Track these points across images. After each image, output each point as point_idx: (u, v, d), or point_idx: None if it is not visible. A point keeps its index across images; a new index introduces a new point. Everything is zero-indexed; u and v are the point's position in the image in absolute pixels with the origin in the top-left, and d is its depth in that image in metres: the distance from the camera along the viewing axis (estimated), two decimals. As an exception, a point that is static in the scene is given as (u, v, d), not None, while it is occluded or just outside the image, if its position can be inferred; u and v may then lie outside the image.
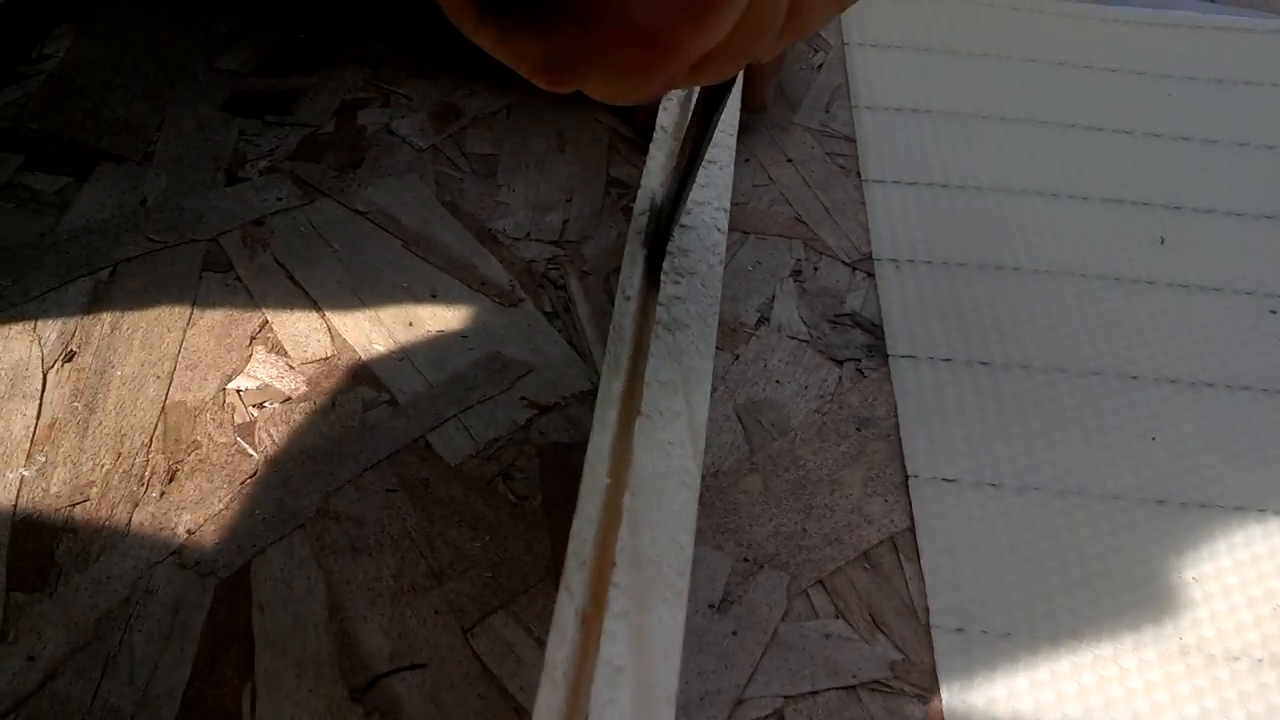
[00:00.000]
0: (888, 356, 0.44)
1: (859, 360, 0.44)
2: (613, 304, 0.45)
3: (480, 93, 0.54)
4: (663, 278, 0.41)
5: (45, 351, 0.40)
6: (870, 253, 0.48)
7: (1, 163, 0.47)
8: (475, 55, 0.56)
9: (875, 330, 0.45)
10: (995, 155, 0.54)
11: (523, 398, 0.41)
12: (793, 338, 0.44)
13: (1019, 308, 0.46)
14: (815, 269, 0.47)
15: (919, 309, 0.46)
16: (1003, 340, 0.45)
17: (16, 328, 0.41)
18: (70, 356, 0.40)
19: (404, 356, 0.42)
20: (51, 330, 0.41)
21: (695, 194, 0.44)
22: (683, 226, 0.43)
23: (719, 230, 0.43)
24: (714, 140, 0.47)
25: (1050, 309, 0.46)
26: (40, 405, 0.39)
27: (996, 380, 0.43)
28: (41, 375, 0.40)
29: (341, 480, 0.37)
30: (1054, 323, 0.46)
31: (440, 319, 0.44)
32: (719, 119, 0.37)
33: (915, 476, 0.40)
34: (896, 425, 0.41)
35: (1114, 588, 0.37)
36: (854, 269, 0.48)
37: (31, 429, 0.38)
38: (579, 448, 0.39)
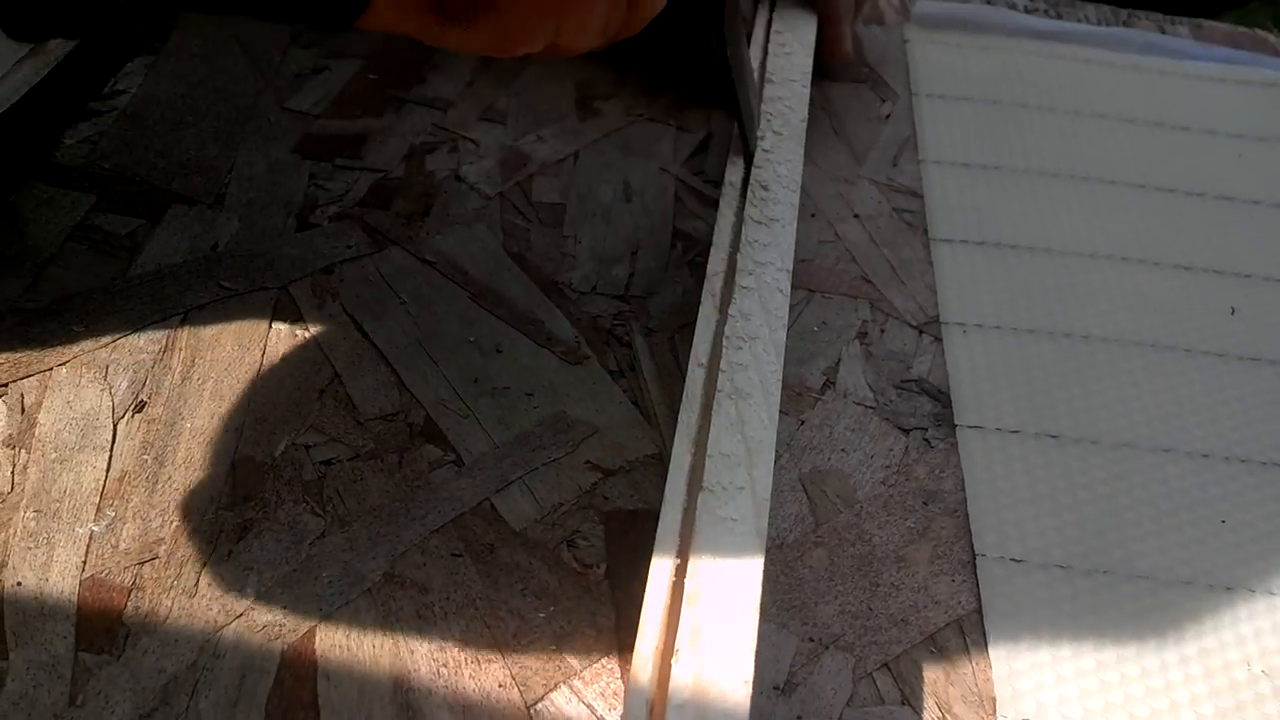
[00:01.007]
0: (955, 426, 0.44)
1: (926, 430, 0.43)
2: (677, 362, 0.45)
3: (547, 139, 0.54)
4: (725, 343, 0.40)
5: (116, 401, 0.41)
6: (937, 315, 0.48)
7: (74, 203, 0.48)
8: (543, 99, 0.56)
9: (942, 398, 0.45)
10: (1064, 215, 0.53)
11: (587, 461, 0.41)
12: (859, 404, 0.44)
13: (1088, 378, 0.46)
14: (882, 331, 0.47)
15: (987, 377, 0.46)
16: (1072, 413, 0.44)
17: (88, 375, 0.41)
18: (141, 406, 0.41)
19: (469, 414, 0.42)
20: (123, 378, 0.41)
21: (757, 254, 0.44)
22: (744, 289, 0.43)
23: (781, 293, 0.43)
24: (777, 198, 0.46)
25: (1120, 381, 0.46)
26: (110, 457, 0.39)
27: (1065, 455, 0.43)
28: (112, 426, 0.40)
29: (407, 543, 0.37)
30: (1124, 395, 0.45)
31: (506, 375, 0.44)
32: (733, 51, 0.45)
33: (983, 556, 0.39)
34: (964, 500, 0.41)
35: (1186, 678, 0.36)
36: (921, 332, 0.47)
37: (101, 482, 0.38)
38: (643, 515, 0.39)
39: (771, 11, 0.56)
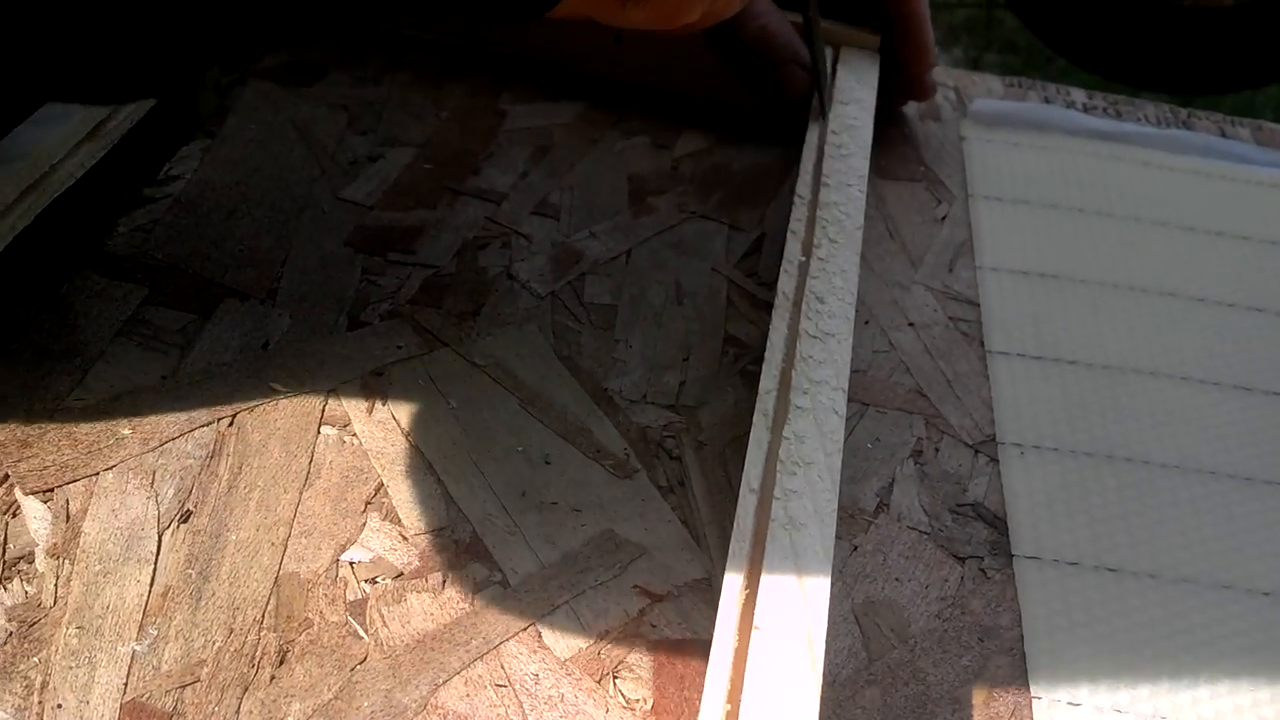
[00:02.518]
0: (1012, 556, 0.43)
1: (982, 559, 0.42)
2: (728, 479, 0.44)
3: (600, 235, 0.54)
4: (778, 467, 0.40)
5: (162, 510, 0.40)
6: (994, 434, 0.47)
7: (126, 295, 0.48)
8: (596, 193, 0.55)
9: (999, 524, 0.44)
10: (1123, 329, 0.52)
11: (635, 585, 0.40)
12: (913, 528, 0.43)
13: (1148, 507, 0.45)
14: (936, 450, 0.46)
15: (1044, 503, 0.45)
16: (1132, 544, 0.43)
17: (135, 481, 0.41)
18: (186, 516, 0.40)
19: (516, 530, 0.41)
20: (169, 485, 0.41)
21: (812, 371, 0.43)
22: (798, 409, 0.42)
23: (837, 413, 0.42)
24: (832, 311, 0.46)
25: (1181, 510, 0.45)
26: (154, 570, 0.38)
27: (1124, 590, 0.42)
28: (157, 536, 0.39)
29: (450, 672, 0.37)
30: (1184, 527, 0.44)
31: (554, 489, 0.43)
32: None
33: (1039, 699, 0.38)
34: (1020, 637, 0.40)
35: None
36: (977, 452, 0.46)
37: (145, 598, 0.38)
38: (691, 645, 0.38)
39: (825, 116, 0.56)
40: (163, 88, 0.37)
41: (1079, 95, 0.68)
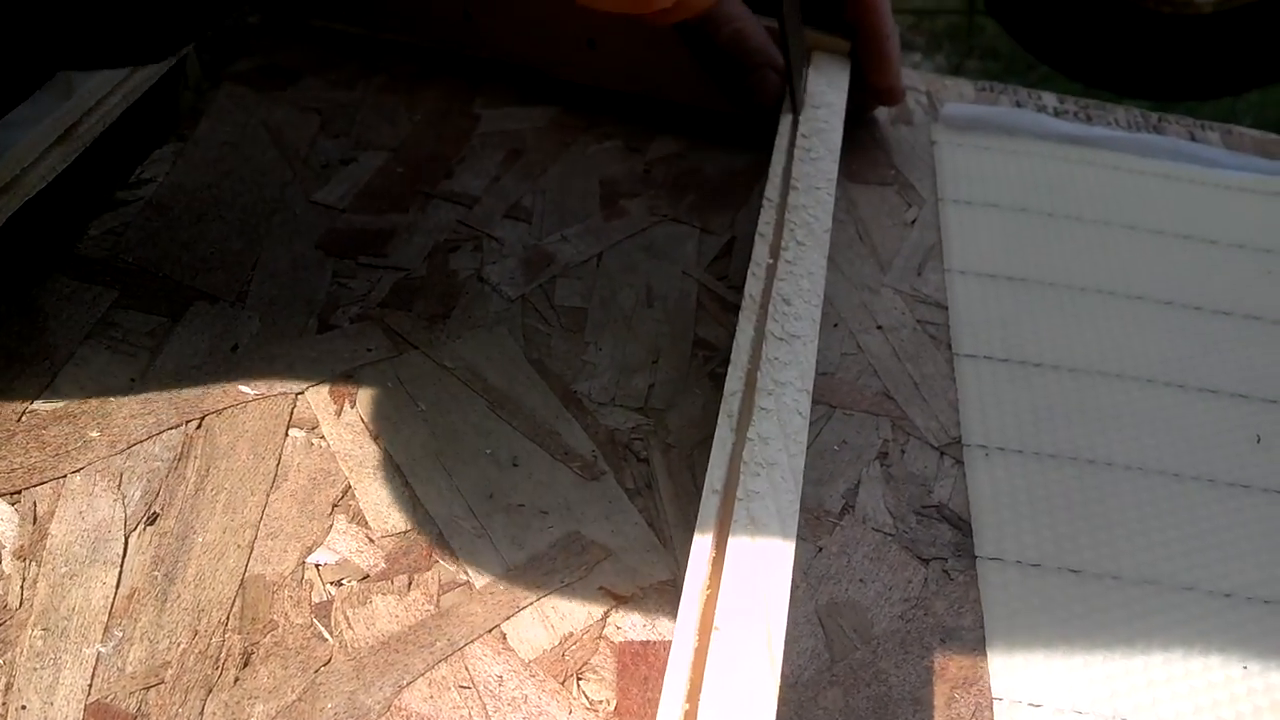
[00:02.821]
0: (975, 558, 0.43)
1: (946, 560, 0.43)
2: (695, 482, 0.44)
3: (571, 239, 0.54)
4: (742, 468, 0.40)
5: (129, 512, 0.40)
6: (959, 437, 0.47)
7: (96, 298, 0.48)
8: (569, 196, 0.56)
9: (963, 526, 0.44)
10: (1090, 332, 0.52)
11: (601, 586, 0.40)
12: (878, 530, 0.43)
13: (1111, 509, 0.45)
14: (903, 452, 0.46)
15: (1009, 504, 0.45)
16: (1094, 546, 0.44)
17: (102, 483, 0.41)
18: (153, 519, 0.40)
19: (483, 532, 0.41)
20: (136, 487, 0.41)
21: (777, 372, 0.44)
22: (762, 410, 0.42)
23: (800, 415, 0.42)
24: (798, 313, 0.46)
25: (1144, 512, 0.45)
26: (120, 572, 0.39)
27: (1086, 592, 0.42)
28: (124, 538, 0.40)
29: (414, 674, 0.37)
30: (1147, 528, 0.45)
31: (521, 491, 0.43)
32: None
33: (1000, 700, 0.39)
34: (983, 639, 0.40)
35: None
36: (942, 454, 0.47)
37: (111, 599, 0.38)
38: (655, 647, 0.39)
39: (796, 115, 0.56)
40: (176, 47, 0.38)
41: (1050, 99, 0.68)
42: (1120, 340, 0.52)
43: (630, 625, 0.39)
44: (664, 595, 0.40)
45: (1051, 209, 0.59)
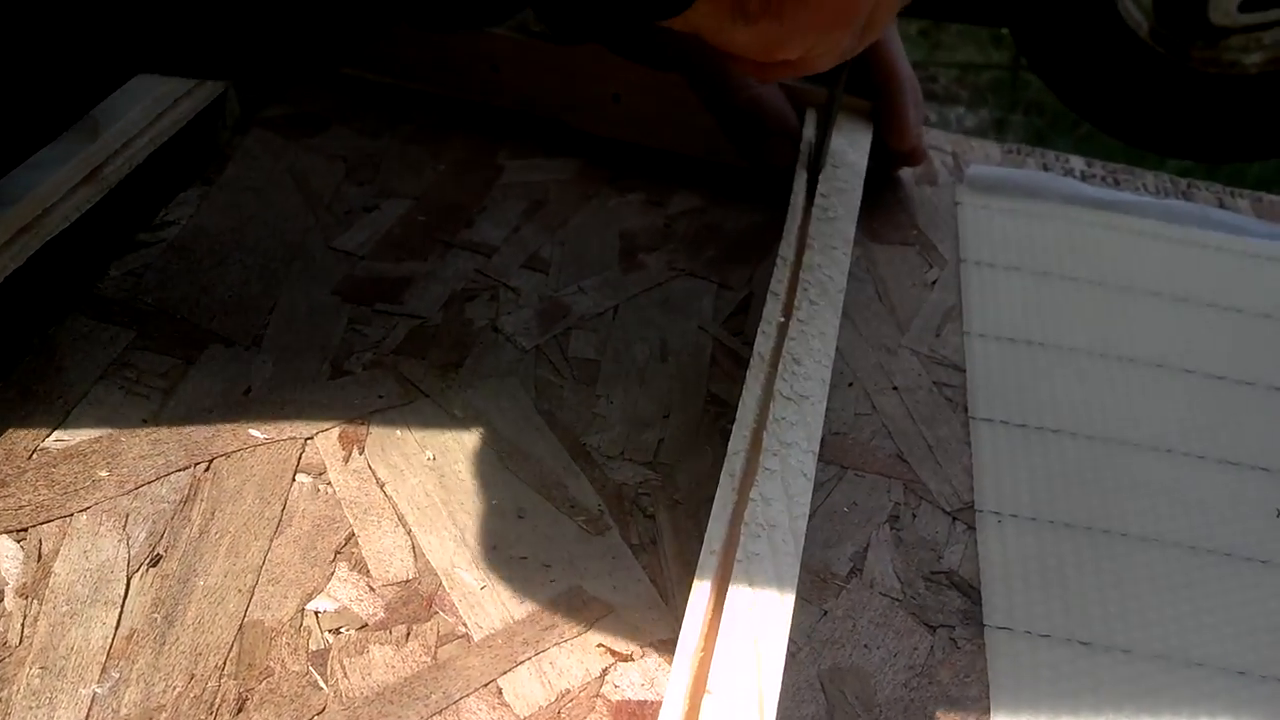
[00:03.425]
0: (983, 627, 0.42)
1: (953, 628, 0.42)
2: (701, 540, 0.44)
3: (588, 290, 0.54)
4: (743, 529, 0.40)
5: (132, 553, 0.40)
6: (972, 502, 0.47)
7: (113, 338, 0.48)
8: (588, 248, 0.56)
9: (972, 594, 0.43)
10: (1110, 399, 0.52)
11: (600, 644, 0.40)
12: (885, 595, 0.43)
13: (1124, 580, 0.44)
14: (914, 516, 0.46)
15: (1020, 573, 0.44)
16: (1105, 618, 0.43)
17: (108, 524, 0.41)
18: (156, 561, 0.40)
19: (485, 584, 0.41)
20: (141, 529, 0.41)
21: (783, 433, 0.43)
22: (767, 470, 0.42)
23: (805, 476, 0.42)
24: (808, 373, 0.46)
25: (1157, 586, 0.44)
26: (121, 613, 0.39)
27: (1096, 664, 0.41)
28: (126, 580, 0.40)
29: (408, 726, 0.37)
30: (1160, 602, 0.44)
31: (525, 543, 0.43)
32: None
33: (1002, 774, 0.38)
34: (988, 710, 0.40)
35: None
36: (954, 519, 0.46)
37: (109, 640, 0.38)
38: (653, 707, 0.38)
39: (817, 175, 0.56)
40: (242, 67, 0.39)
41: (1078, 163, 0.68)
42: (1140, 408, 0.52)
43: (628, 684, 0.39)
44: (664, 654, 0.40)
45: (1075, 273, 0.59)
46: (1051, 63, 2.20)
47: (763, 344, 0.47)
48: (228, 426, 0.46)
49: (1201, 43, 2.00)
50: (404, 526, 0.43)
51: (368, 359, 0.49)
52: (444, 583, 0.41)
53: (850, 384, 0.51)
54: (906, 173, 0.64)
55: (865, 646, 0.41)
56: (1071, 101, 2.23)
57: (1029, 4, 2.15)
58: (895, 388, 0.52)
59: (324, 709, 0.37)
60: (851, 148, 0.58)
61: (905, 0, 0.46)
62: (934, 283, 0.58)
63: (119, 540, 0.41)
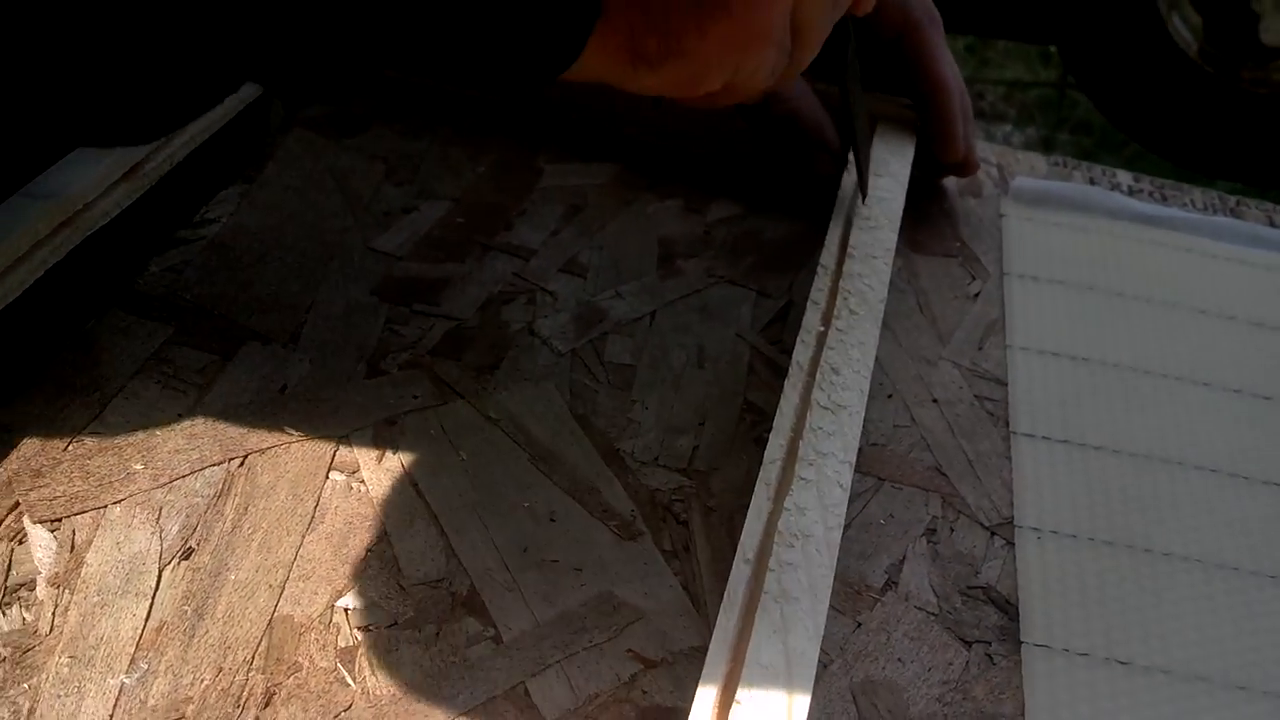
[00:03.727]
0: (1020, 643, 0.42)
1: (989, 644, 0.41)
2: (734, 547, 0.43)
3: (625, 296, 0.54)
4: (776, 538, 0.39)
5: (165, 546, 0.40)
6: (1011, 517, 0.46)
7: (151, 334, 0.48)
8: (626, 254, 0.56)
9: (1010, 610, 0.43)
10: (1153, 417, 0.51)
11: (629, 650, 0.39)
12: (920, 609, 0.42)
13: (1165, 600, 0.43)
14: (951, 530, 0.45)
15: (1059, 590, 0.43)
16: (1145, 637, 0.42)
17: (140, 516, 0.41)
18: (188, 554, 0.40)
19: (514, 586, 0.41)
20: (175, 522, 0.41)
21: (820, 443, 0.43)
22: (802, 480, 0.41)
23: (841, 487, 0.42)
24: (846, 383, 0.45)
25: (1199, 606, 0.43)
26: (151, 605, 0.39)
27: (1134, 685, 0.40)
28: (157, 571, 0.40)
29: (435, 726, 0.36)
30: (1201, 622, 0.43)
31: (556, 547, 0.43)
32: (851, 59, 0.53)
33: (1037, 793, 0.37)
34: (1022, 727, 0.39)
35: None
36: (993, 534, 0.45)
37: (139, 631, 0.38)
38: (681, 713, 0.38)
39: (864, 194, 0.55)
40: (186, 120, 0.38)
41: (1125, 178, 0.67)
42: (1184, 427, 0.51)
43: (657, 690, 0.38)
44: (694, 661, 0.39)
45: (1120, 288, 0.58)
46: (1100, 81, 2.18)
47: (801, 353, 0.47)
48: (263, 423, 0.46)
49: (1251, 63, 1.98)
50: (436, 526, 0.43)
51: (403, 359, 0.49)
52: (474, 583, 0.41)
53: (890, 395, 0.51)
54: (951, 184, 0.64)
55: (899, 660, 0.41)
56: (1119, 121, 2.21)
57: (1077, 22, 2.14)
58: (935, 400, 0.51)
59: (350, 706, 0.37)
60: (894, 156, 0.58)
61: (843, 6, 0.45)
62: (976, 295, 0.57)
63: (152, 533, 0.41)
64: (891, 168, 0.57)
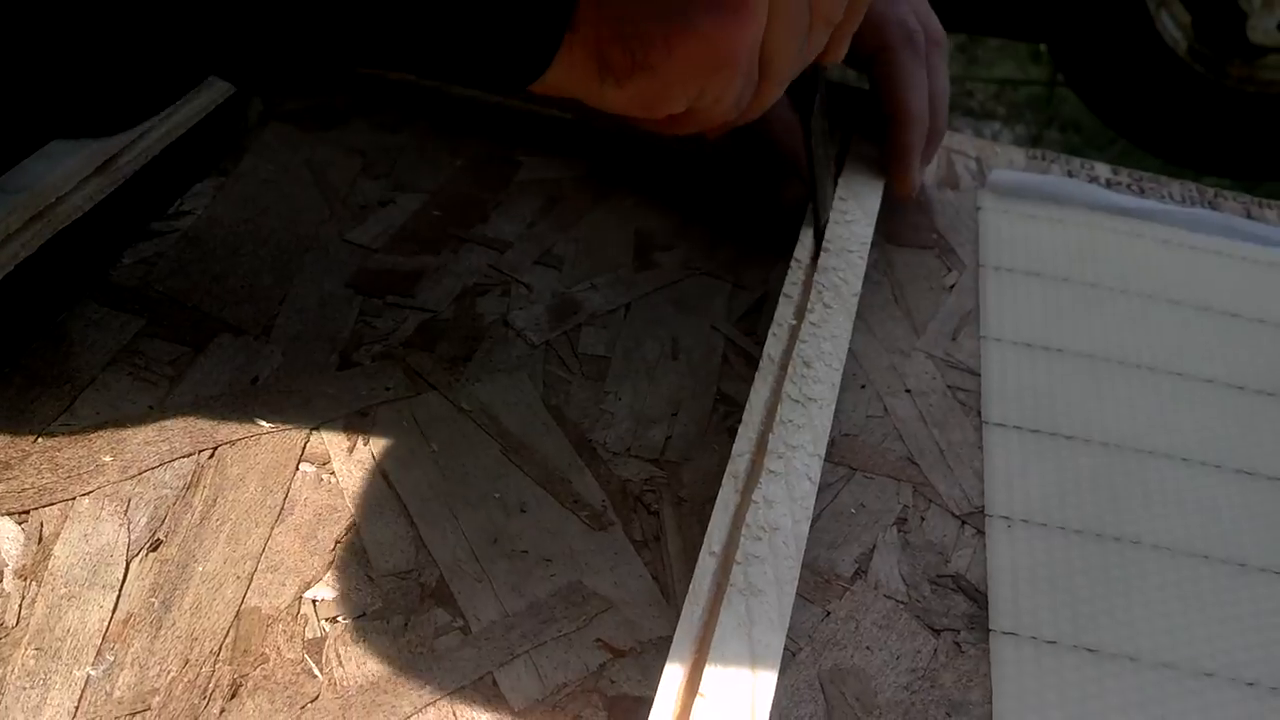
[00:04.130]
0: (989, 631, 0.42)
1: (958, 632, 0.41)
2: (704, 540, 0.43)
3: (600, 288, 0.54)
4: (744, 531, 0.39)
5: (133, 538, 0.40)
6: (982, 506, 0.46)
7: (123, 325, 0.48)
8: (602, 246, 0.56)
9: (979, 598, 0.43)
10: (1126, 407, 0.51)
11: (598, 639, 0.40)
12: (889, 597, 0.42)
13: (1134, 589, 0.44)
14: (922, 519, 0.45)
15: (1028, 578, 0.44)
16: (1113, 625, 0.42)
17: (109, 508, 0.41)
18: (156, 545, 0.40)
19: (484, 577, 0.41)
20: (143, 514, 0.41)
21: (789, 435, 0.43)
22: (771, 473, 0.41)
23: (810, 480, 0.42)
24: (818, 376, 0.45)
25: (1167, 594, 0.44)
26: (118, 597, 0.39)
27: (1102, 672, 0.41)
28: (125, 564, 0.40)
29: (401, 716, 0.36)
30: (1169, 610, 0.43)
31: (526, 538, 0.43)
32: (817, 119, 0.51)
33: (1003, 780, 0.37)
34: (990, 715, 0.39)
35: None
36: (963, 523, 0.45)
37: (106, 623, 0.38)
38: (649, 703, 0.38)
39: (837, 175, 0.55)
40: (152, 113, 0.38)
41: (1103, 170, 0.67)
42: (1156, 416, 0.51)
43: (626, 680, 0.39)
44: (663, 651, 0.39)
45: (1095, 280, 0.58)
46: (1089, 79, 2.19)
47: (773, 346, 0.47)
48: (233, 415, 0.46)
49: (1239, 61, 1.98)
50: (406, 517, 0.43)
51: (377, 351, 0.49)
52: (444, 574, 0.41)
53: (863, 386, 0.51)
54: (929, 175, 0.64)
55: (867, 648, 0.41)
56: (1108, 118, 2.21)
57: (1068, 20, 2.14)
58: (908, 390, 0.51)
59: (318, 697, 0.37)
60: (871, 149, 0.58)
61: (815, 46, 0.45)
62: (952, 286, 0.57)
63: (120, 525, 0.41)
64: (868, 161, 0.57)
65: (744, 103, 0.44)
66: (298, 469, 0.44)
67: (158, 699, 0.36)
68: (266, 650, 0.38)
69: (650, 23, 0.39)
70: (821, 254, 0.51)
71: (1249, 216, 0.65)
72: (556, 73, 0.40)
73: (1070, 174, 0.66)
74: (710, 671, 0.34)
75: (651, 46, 0.40)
